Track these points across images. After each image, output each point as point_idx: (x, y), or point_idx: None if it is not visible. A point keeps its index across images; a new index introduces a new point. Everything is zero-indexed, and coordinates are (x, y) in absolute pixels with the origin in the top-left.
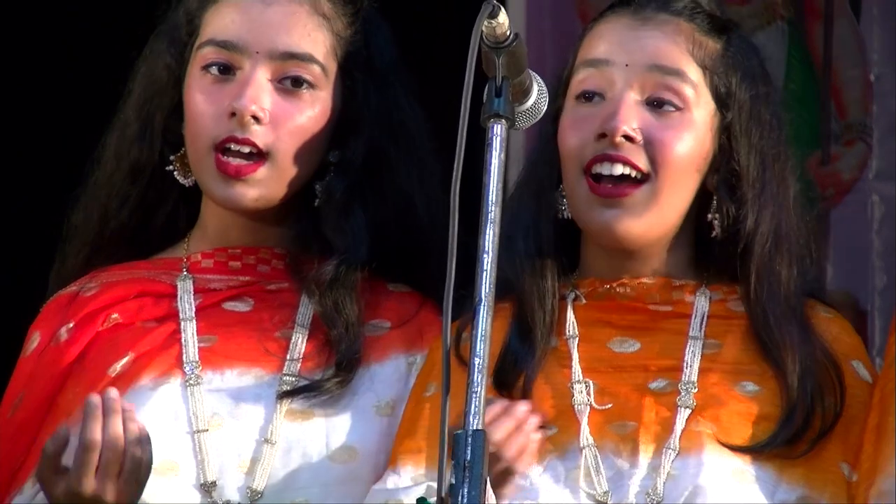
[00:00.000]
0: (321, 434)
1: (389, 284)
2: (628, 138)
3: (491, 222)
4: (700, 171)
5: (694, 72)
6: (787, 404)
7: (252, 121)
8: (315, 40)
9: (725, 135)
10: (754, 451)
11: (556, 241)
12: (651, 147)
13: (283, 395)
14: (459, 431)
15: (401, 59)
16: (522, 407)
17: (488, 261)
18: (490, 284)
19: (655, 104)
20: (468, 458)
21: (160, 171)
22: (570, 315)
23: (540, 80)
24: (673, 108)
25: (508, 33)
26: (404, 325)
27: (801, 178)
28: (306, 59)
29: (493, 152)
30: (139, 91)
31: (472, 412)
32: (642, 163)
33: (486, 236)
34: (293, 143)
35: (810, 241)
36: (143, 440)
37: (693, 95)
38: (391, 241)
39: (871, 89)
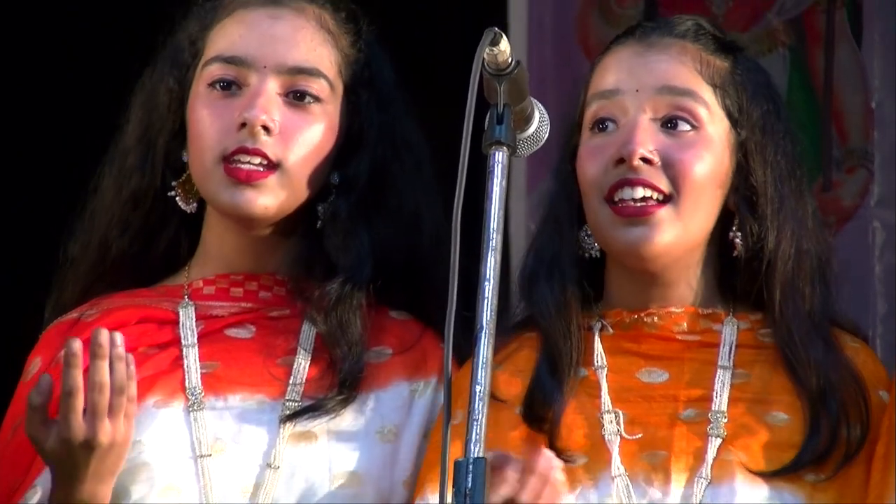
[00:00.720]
0: (324, 459)
1: (391, 312)
2: (646, 161)
3: (492, 249)
4: (721, 189)
5: (705, 90)
6: (812, 420)
7: (262, 131)
8: (321, 55)
9: (741, 152)
10: (783, 473)
11: (579, 276)
12: (670, 168)
13: (287, 418)
14: (460, 459)
15: (400, 82)
16: (544, 459)
17: (489, 288)
18: (491, 311)
19: (670, 125)
20: (469, 485)
21: (162, 197)
22: (598, 345)
23: (541, 108)
24: (688, 128)
25: (510, 60)
26: (406, 351)
27: None
28: (314, 73)
29: (495, 179)
30: (139, 118)
31: (473, 440)
32: (663, 184)
33: (488, 263)
34: (302, 156)
35: (831, 257)
36: (131, 379)
37: (706, 114)
38: (395, 261)
39: (873, 116)
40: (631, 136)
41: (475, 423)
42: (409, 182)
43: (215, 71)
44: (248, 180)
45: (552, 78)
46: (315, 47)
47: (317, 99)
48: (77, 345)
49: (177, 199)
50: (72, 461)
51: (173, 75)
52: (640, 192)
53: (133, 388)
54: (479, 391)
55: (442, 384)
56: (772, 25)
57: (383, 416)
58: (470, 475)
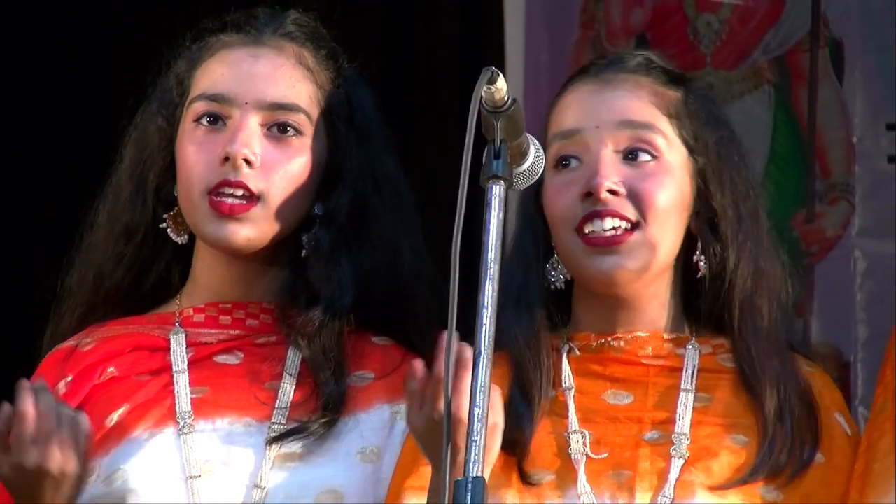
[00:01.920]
0: (308, 478)
1: (374, 337)
2: (613, 192)
3: (490, 279)
4: (685, 213)
5: (662, 121)
6: (765, 433)
7: (244, 164)
8: (300, 91)
9: (700, 178)
10: (740, 483)
11: (546, 303)
12: (635, 198)
13: (273, 440)
14: (460, 479)
15: (381, 118)
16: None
17: (487, 315)
18: (489, 338)
19: (631, 156)
20: None
21: (153, 230)
22: (566, 367)
23: (537, 143)
24: (649, 158)
25: (507, 98)
26: (388, 376)
27: (787, 234)
28: (293, 108)
29: (492, 212)
30: (131, 155)
31: (472, 460)
32: (630, 213)
33: (486, 292)
34: (283, 187)
35: (786, 277)
36: (80, 415)
37: (665, 144)
38: (376, 290)
39: (854, 150)
40: (596, 170)
41: (474, 443)
42: (389, 214)
43: (199, 108)
44: (231, 213)
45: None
46: (294, 84)
47: (297, 132)
48: (26, 381)
49: (168, 231)
50: (28, 489)
51: (162, 114)
52: (609, 223)
53: (85, 425)
54: (478, 413)
55: None
56: (758, 64)
57: (365, 437)
58: (469, 493)
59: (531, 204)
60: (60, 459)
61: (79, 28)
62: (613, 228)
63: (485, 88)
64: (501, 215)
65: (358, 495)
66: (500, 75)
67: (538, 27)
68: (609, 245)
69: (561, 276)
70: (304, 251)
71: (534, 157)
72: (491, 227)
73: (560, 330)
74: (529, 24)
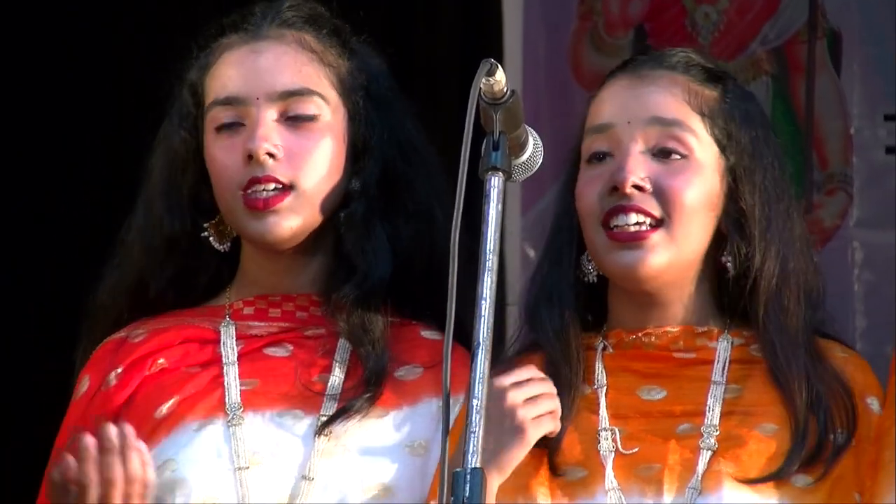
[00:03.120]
0: (356, 471)
1: (423, 331)
2: (638, 188)
3: (489, 270)
4: (712, 213)
5: (693, 120)
6: (796, 427)
7: (268, 158)
8: (308, 74)
9: (731, 177)
10: (772, 478)
11: (578, 301)
12: (661, 195)
13: (321, 427)
14: (458, 469)
15: (397, 86)
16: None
17: (486, 306)
18: (488, 329)
19: (661, 154)
20: (467, 495)
21: (196, 238)
22: (599, 365)
23: (535, 135)
24: (678, 156)
25: (505, 90)
26: (436, 368)
27: None
28: (304, 93)
29: (491, 203)
30: (159, 170)
31: (471, 451)
32: (655, 210)
33: (485, 283)
34: (313, 173)
35: (817, 276)
36: (145, 469)
37: (695, 142)
38: (415, 261)
39: (852, 142)
40: (623, 165)
41: (472, 434)
42: (420, 180)
43: (216, 115)
44: (266, 207)
45: (546, 106)
46: (300, 68)
47: (314, 117)
48: (90, 440)
49: (210, 239)
50: None
51: (184, 127)
52: (633, 218)
53: (150, 473)
54: (476, 405)
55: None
56: (756, 55)
57: (413, 430)
58: (468, 485)
59: (566, 199)
60: None
61: (79, 28)
62: (638, 224)
63: (483, 80)
64: (500, 207)
65: (406, 489)
66: (499, 67)
67: (536, 19)
68: (632, 240)
69: (594, 270)
70: (341, 228)
71: (532, 149)
72: (490, 219)
73: (597, 329)
74: (528, 16)
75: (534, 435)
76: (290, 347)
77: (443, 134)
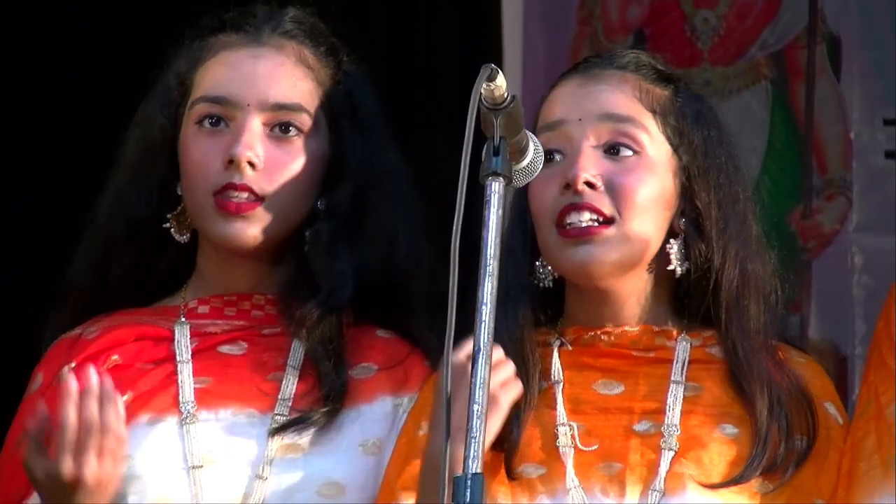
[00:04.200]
0: (310, 470)
1: (378, 330)
2: (590, 185)
3: (489, 275)
4: (667, 210)
5: (645, 117)
6: (758, 433)
7: (248, 167)
8: (301, 90)
9: (685, 176)
10: (731, 484)
11: (533, 302)
12: (613, 192)
13: (275, 431)
14: (459, 475)
15: (383, 111)
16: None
17: (486, 311)
18: (489, 334)
19: (612, 150)
20: (467, 500)
21: (157, 228)
22: (556, 360)
23: (536, 140)
24: (630, 153)
25: (506, 95)
26: (391, 368)
27: (784, 230)
28: (295, 108)
29: (492, 208)
30: (133, 153)
31: (472, 456)
32: (606, 208)
33: (485, 288)
34: (287, 188)
35: (775, 279)
36: (121, 422)
37: (647, 139)
38: (376, 282)
39: (851, 146)
40: (574, 162)
41: (473, 440)
42: (389, 206)
43: (202, 109)
44: (237, 212)
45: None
46: (295, 83)
47: (300, 131)
48: (73, 383)
49: (171, 230)
50: (60, 495)
51: (164, 114)
52: (586, 216)
53: (122, 429)
54: (477, 410)
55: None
56: (755, 60)
57: (367, 429)
58: (468, 490)
59: (520, 201)
60: (97, 469)
61: (79, 28)
62: (590, 220)
63: (484, 85)
64: (500, 212)
65: (359, 488)
66: (500, 72)
67: (536, 24)
68: (583, 236)
69: (549, 275)
70: (305, 246)
71: (533, 154)
72: (490, 224)
73: (552, 325)
74: (527, 21)
75: (505, 400)
76: (245, 345)
77: (443, 139)
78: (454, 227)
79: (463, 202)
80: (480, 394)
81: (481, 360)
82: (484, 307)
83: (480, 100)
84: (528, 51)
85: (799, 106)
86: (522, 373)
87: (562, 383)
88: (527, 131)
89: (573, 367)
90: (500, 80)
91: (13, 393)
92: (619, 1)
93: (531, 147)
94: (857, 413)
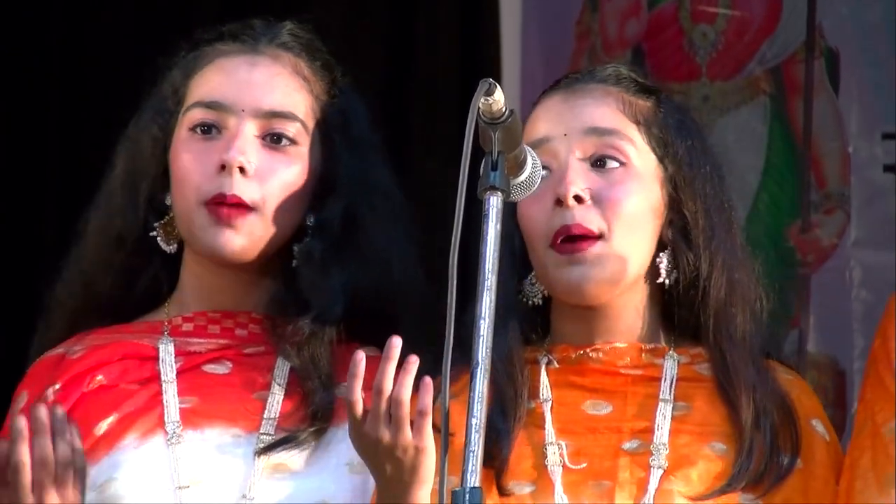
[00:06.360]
0: (297, 491)
1: (363, 348)
2: (578, 199)
3: (487, 290)
4: (656, 221)
5: (629, 129)
6: (742, 442)
7: (239, 172)
8: (296, 100)
9: (671, 186)
10: (719, 493)
11: (521, 322)
12: (601, 205)
13: (262, 451)
14: (457, 489)
15: (376, 132)
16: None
17: (485, 326)
18: (487, 349)
19: (599, 163)
20: None
21: (144, 238)
22: (544, 378)
23: (534, 154)
24: (617, 164)
25: (504, 110)
26: None
27: (783, 245)
28: (289, 116)
29: (490, 223)
30: (124, 164)
31: (470, 470)
32: (595, 225)
33: (483, 303)
34: (278, 196)
35: (759, 288)
36: (76, 452)
37: (633, 150)
38: (365, 299)
39: (849, 161)
40: (563, 177)
41: (472, 454)
42: (381, 225)
43: (196, 115)
44: (228, 219)
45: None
46: (291, 92)
47: (293, 141)
48: (22, 422)
49: (158, 239)
50: None
51: (157, 122)
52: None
53: (80, 458)
54: (476, 424)
55: None
56: (753, 75)
57: (353, 448)
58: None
59: (509, 220)
60: (58, 500)
61: (79, 32)
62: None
63: (482, 100)
64: (499, 226)
65: None
66: (498, 87)
67: (534, 39)
68: (574, 252)
69: (539, 293)
70: (294, 261)
71: (531, 169)
72: (488, 239)
73: (539, 343)
74: (525, 37)
75: (428, 440)
76: (230, 365)
77: (442, 153)
78: (452, 242)
79: (461, 217)
80: (478, 408)
81: (479, 375)
82: (482, 321)
83: (479, 114)
84: (527, 65)
85: (797, 121)
86: (511, 391)
87: (550, 402)
88: (525, 146)
89: (561, 386)
90: (499, 95)
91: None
92: (618, 16)
93: (529, 161)
94: (854, 432)
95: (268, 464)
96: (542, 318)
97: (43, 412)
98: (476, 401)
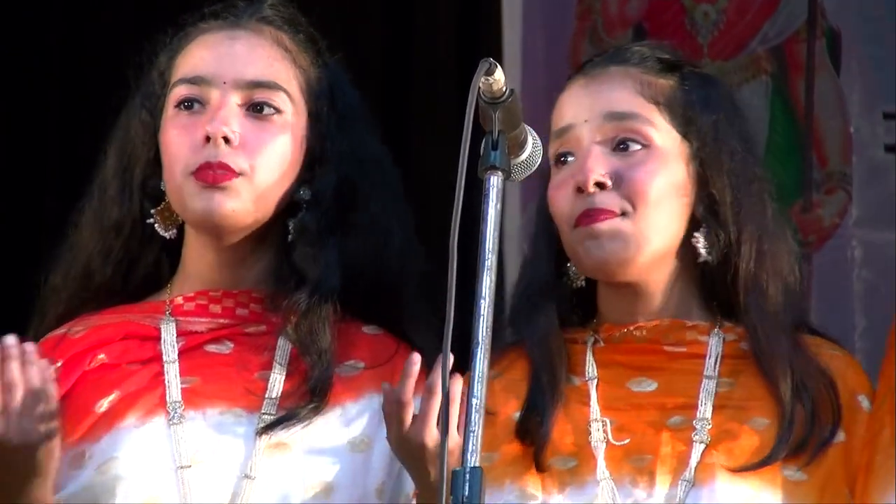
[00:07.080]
0: (298, 470)
1: (364, 326)
2: (600, 185)
3: (488, 269)
4: (683, 199)
5: (649, 110)
6: (783, 413)
7: (223, 143)
8: (278, 70)
9: (697, 162)
10: (761, 465)
11: (561, 303)
12: (624, 187)
13: (262, 430)
14: (457, 468)
15: (364, 103)
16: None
17: (485, 306)
18: (487, 329)
19: (621, 146)
20: (466, 493)
21: (141, 225)
22: (590, 357)
23: (534, 134)
24: (639, 146)
25: (504, 89)
26: (379, 366)
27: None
28: (272, 85)
29: (490, 203)
30: (116, 151)
31: (470, 450)
32: (616, 206)
33: (483, 282)
34: (265, 164)
35: (794, 260)
36: (46, 379)
37: (654, 132)
38: (364, 275)
39: (851, 140)
40: (583, 164)
41: (472, 434)
42: (377, 197)
43: (180, 92)
44: (215, 182)
45: (545, 105)
46: (272, 62)
47: (277, 110)
48: None
49: (156, 225)
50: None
51: (145, 107)
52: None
53: (52, 390)
54: (476, 404)
55: None
56: (755, 54)
57: (355, 427)
58: (467, 483)
59: (544, 203)
60: (23, 429)
61: (79, 32)
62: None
63: (483, 79)
64: (499, 206)
65: (348, 486)
66: (498, 66)
67: (535, 18)
68: (595, 222)
69: (581, 275)
70: (290, 236)
71: (531, 148)
72: (489, 218)
73: (588, 324)
74: (526, 15)
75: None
76: (231, 345)
77: (442, 133)
78: (452, 222)
79: (461, 196)
80: (479, 388)
81: (479, 355)
82: (482, 301)
83: (479, 94)
84: (528, 45)
85: (799, 100)
86: (549, 370)
87: (596, 380)
88: (525, 125)
89: (606, 365)
90: (499, 74)
91: None
92: None
93: (530, 141)
94: (874, 407)
95: (269, 443)
96: (590, 299)
97: (10, 340)
98: (476, 380)
